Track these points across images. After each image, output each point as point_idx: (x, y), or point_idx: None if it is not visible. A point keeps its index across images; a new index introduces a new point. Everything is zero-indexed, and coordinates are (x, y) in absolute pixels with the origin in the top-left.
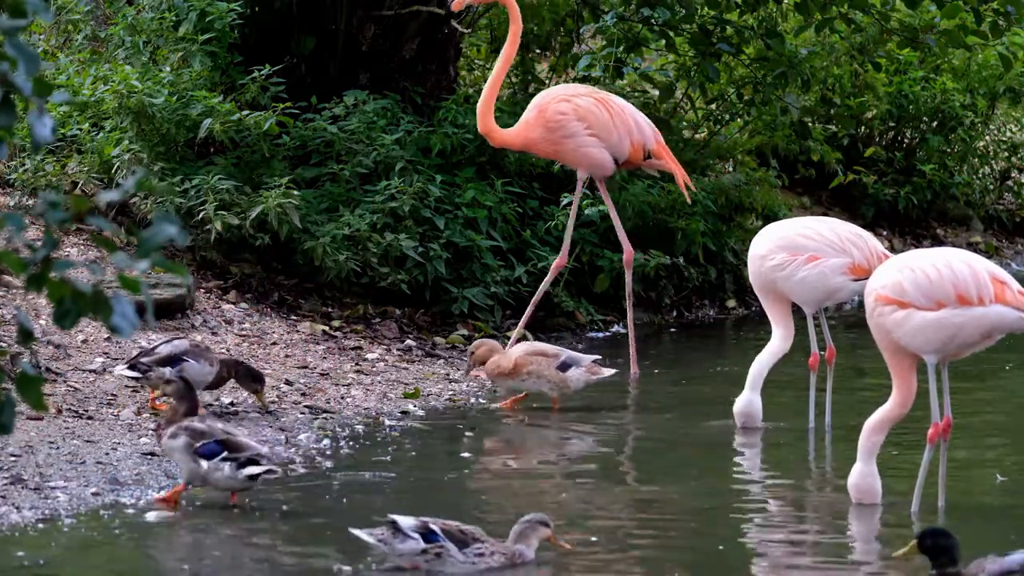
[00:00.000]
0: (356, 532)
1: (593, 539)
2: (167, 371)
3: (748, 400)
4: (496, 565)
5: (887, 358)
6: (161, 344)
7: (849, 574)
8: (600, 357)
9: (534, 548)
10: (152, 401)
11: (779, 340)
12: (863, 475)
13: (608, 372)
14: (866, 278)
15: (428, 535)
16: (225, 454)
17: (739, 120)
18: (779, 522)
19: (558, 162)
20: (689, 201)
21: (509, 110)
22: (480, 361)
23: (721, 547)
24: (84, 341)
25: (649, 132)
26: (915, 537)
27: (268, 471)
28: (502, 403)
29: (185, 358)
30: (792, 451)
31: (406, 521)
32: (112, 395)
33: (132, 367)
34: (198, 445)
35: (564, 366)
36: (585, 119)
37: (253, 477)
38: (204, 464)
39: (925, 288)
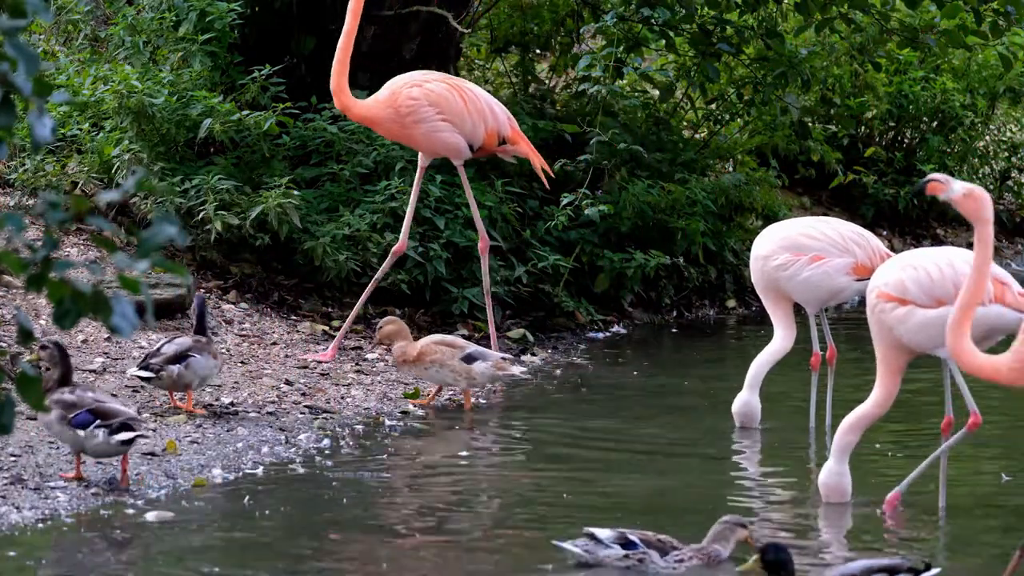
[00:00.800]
0: (558, 543)
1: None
2: (176, 368)
3: (746, 400)
4: (695, 566)
5: (880, 356)
6: (164, 344)
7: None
8: (510, 356)
9: (730, 549)
10: (173, 401)
11: (780, 340)
12: (833, 473)
13: (518, 369)
14: (869, 278)
15: (626, 544)
16: (98, 422)
17: (739, 120)
18: (777, 522)
19: (406, 145)
20: (547, 186)
21: (509, 110)
22: (386, 336)
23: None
24: (84, 341)
25: (504, 118)
26: (758, 551)
27: (140, 436)
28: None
29: (190, 354)
30: (792, 451)
31: (604, 533)
32: (112, 395)
33: (145, 368)
34: (71, 416)
35: (469, 359)
36: (437, 104)
37: (126, 443)
38: (81, 434)
39: (927, 286)
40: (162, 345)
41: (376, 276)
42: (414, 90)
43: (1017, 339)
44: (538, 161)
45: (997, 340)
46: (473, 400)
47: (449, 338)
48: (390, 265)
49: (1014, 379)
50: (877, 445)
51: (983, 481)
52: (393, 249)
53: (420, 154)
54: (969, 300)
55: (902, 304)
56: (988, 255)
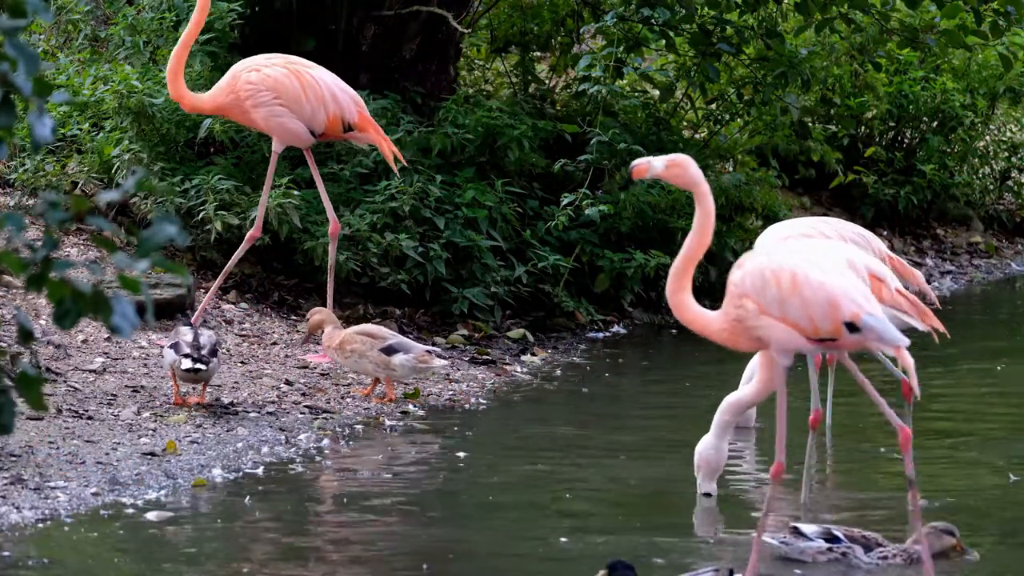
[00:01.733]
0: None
1: (588, 535)
2: (214, 360)
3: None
4: (897, 565)
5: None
6: (199, 336)
7: (843, 572)
8: (438, 349)
9: (932, 552)
10: (177, 397)
11: None
12: (711, 447)
13: (439, 363)
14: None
15: (831, 539)
16: None
17: (739, 120)
18: (777, 521)
19: (254, 129)
20: (395, 171)
21: (509, 110)
22: (314, 329)
23: (711, 541)
24: (84, 341)
25: (348, 104)
26: (606, 567)
27: None
28: (363, 391)
29: (217, 346)
30: (791, 451)
31: (809, 528)
32: (112, 395)
33: (198, 360)
34: None
35: (390, 350)
36: (274, 89)
37: None
38: None
39: None
40: (196, 337)
41: (232, 260)
42: (252, 74)
43: (726, 300)
44: (389, 149)
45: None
46: (474, 399)
47: (373, 328)
48: (244, 250)
49: (723, 340)
50: (883, 449)
51: (991, 482)
52: (248, 235)
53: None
54: (692, 252)
55: None
56: (709, 209)
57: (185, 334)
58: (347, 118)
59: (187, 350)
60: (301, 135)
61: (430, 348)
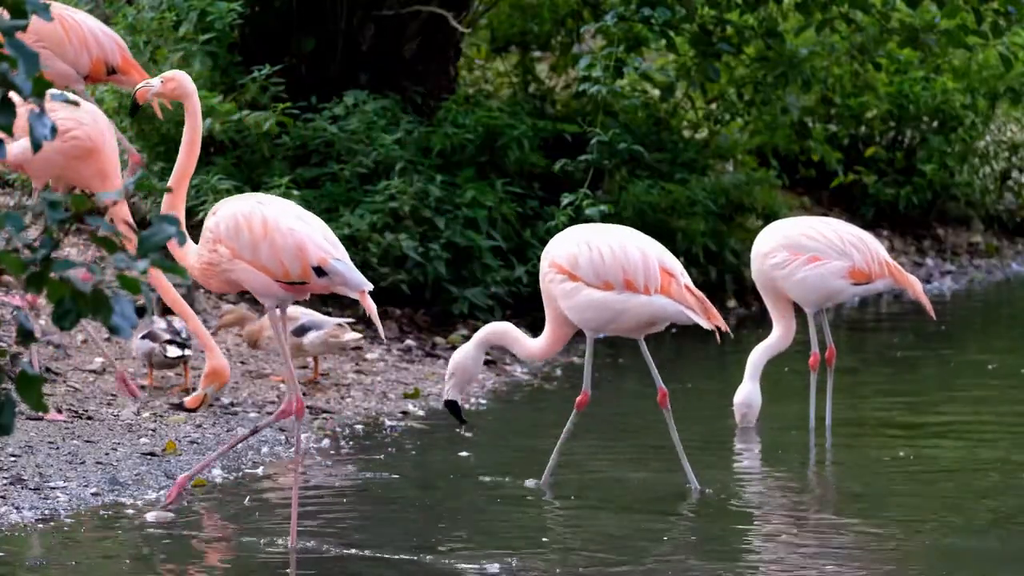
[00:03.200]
0: None
1: (590, 535)
2: (193, 341)
3: (749, 390)
4: None
5: (549, 318)
6: (173, 323)
7: (845, 572)
8: (353, 320)
9: None
10: (151, 381)
11: (778, 337)
12: (468, 356)
13: (351, 336)
14: (866, 283)
15: None
16: None
17: (739, 120)
18: (777, 521)
19: None
20: (159, 115)
21: (509, 110)
22: (228, 326)
23: (704, 536)
24: (84, 341)
25: (111, 47)
26: None
27: None
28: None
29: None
30: (792, 451)
31: None
32: (112, 395)
33: (183, 344)
34: None
35: (301, 330)
36: (36, 32)
37: None
38: None
39: (597, 266)
40: (170, 324)
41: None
42: None
43: (200, 243)
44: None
45: (660, 328)
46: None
47: (294, 311)
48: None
49: (196, 278)
50: (900, 452)
51: (994, 478)
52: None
53: None
54: (183, 169)
55: (572, 279)
56: (197, 124)
57: (157, 322)
58: (110, 60)
59: (167, 336)
60: (68, 75)
61: (342, 321)
